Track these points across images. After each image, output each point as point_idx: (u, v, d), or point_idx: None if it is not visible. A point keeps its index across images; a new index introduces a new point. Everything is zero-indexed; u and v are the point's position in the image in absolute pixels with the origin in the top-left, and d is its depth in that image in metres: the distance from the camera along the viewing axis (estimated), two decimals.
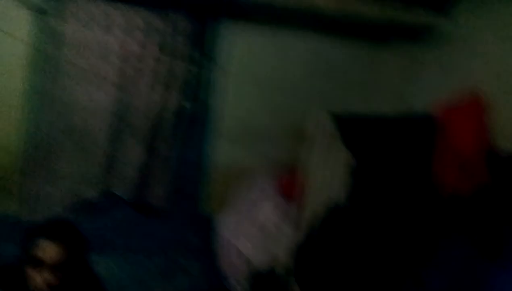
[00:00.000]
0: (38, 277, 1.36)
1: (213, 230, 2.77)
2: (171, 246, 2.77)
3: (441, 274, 2.02)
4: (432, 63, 2.88)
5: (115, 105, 2.69)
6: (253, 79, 2.99)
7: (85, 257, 1.51)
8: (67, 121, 2.66)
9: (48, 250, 1.37)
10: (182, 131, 2.85)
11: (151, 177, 2.81)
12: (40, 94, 2.66)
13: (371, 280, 1.94)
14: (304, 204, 2.22)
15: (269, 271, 2.32)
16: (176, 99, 2.78)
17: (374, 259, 1.92)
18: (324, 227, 2.00)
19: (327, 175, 2.08)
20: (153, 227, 2.82)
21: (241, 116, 3.00)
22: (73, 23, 2.58)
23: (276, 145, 2.99)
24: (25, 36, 2.61)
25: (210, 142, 2.98)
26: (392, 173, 2.00)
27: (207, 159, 2.99)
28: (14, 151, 2.73)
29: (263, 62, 2.99)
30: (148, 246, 2.77)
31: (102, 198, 2.75)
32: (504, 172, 2.03)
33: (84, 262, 1.51)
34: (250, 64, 2.97)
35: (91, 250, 1.52)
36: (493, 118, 2.18)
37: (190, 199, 2.94)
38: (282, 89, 3.00)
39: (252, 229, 2.52)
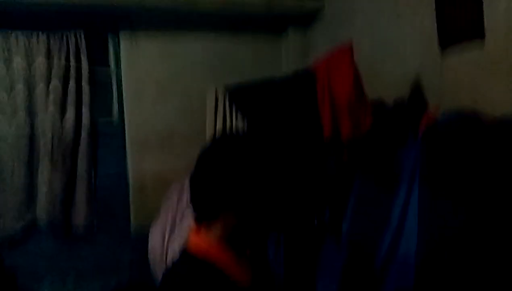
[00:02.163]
0: None
1: (145, 242, 2.75)
2: (105, 265, 2.75)
3: (352, 215, 2.10)
4: (322, 44, 3.07)
5: (26, 132, 2.73)
6: (159, 85, 3.07)
7: None
8: None
9: None
10: (97, 148, 2.89)
11: (74, 199, 2.82)
12: None
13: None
14: None
15: None
16: (87, 116, 2.84)
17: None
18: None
19: None
20: (85, 249, 2.80)
21: (153, 123, 3.05)
22: None
23: (193, 146, 3.04)
24: None
25: (128, 154, 3.01)
26: (282, 128, 2.10)
27: (129, 171, 3.01)
28: None
29: (164, 67, 3.08)
30: (83, 269, 2.74)
31: (26, 228, 2.73)
32: (387, 118, 2.16)
33: None
34: (152, 71, 3.06)
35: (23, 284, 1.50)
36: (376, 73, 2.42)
37: (118, 215, 2.94)
38: (186, 91, 3.08)
39: (182, 234, 2.52)
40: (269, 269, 1.43)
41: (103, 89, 3.01)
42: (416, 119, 1.90)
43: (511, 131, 1.51)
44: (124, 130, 2.99)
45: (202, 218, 1.12)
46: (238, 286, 1.08)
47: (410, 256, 1.64)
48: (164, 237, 2.51)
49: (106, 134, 2.91)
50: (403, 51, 2.32)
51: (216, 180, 1.08)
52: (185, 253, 1.13)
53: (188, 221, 2.50)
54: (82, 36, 2.83)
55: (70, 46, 2.81)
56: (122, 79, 3.03)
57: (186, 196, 2.72)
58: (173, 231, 2.57)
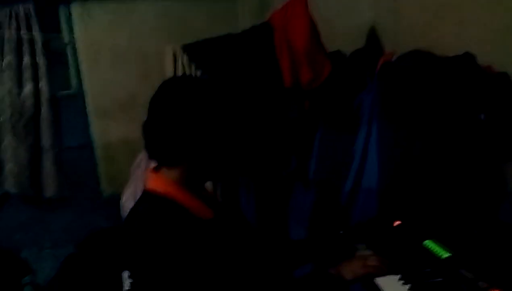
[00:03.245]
0: None
1: (116, 209, 2.76)
2: (80, 233, 2.75)
3: (317, 161, 2.18)
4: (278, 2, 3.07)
5: None
6: (115, 53, 3.02)
7: None
8: None
9: None
10: (59, 120, 2.86)
11: (42, 172, 2.80)
12: None
13: None
14: None
15: None
16: (45, 90, 2.80)
17: None
18: None
19: None
20: (58, 218, 2.79)
21: (113, 91, 3.02)
22: None
23: None
24: None
25: (92, 124, 2.97)
26: (243, 80, 2.13)
27: (94, 141, 2.98)
28: None
29: (119, 34, 3.04)
30: (58, 237, 2.74)
31: None
32: (345, 66, 2.21)
33: None
34: (107, 39, 3.01)
35: None
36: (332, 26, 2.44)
37: (88, 185, 2.93)
38: (144, 56, 3.04)
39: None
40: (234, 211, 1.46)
41: (59, 61, 2.94)
42: (373, 64, 1.97)
43: (463, 64, 1.59)
44: (85, 101, 2.94)
45: (160, 163, 1.14)
46: (198, 218, 1.11)
47: (373, 188, 1.74)
48: (135, 198, 2.52)
49: (67, 106, 2.87)
50: (357, 3, 2.36)
51: (168, 124, 1.07)
52: (145, 193, 1.15)
53: None
54: (32, 9, 2.75)
55: (20, 20, 2.74)
56: (77, 49, 2.97)
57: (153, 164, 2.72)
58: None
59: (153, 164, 1.19)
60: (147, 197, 1.14)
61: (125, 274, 1.11)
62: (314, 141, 2.18)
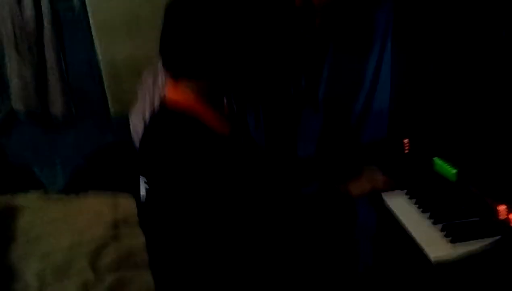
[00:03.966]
0: None
1: (125, 126, 2.79)
2: (89, 150, 2.81)
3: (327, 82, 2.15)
4: None
5: None
6: None
7: None
8: None
9: None
10: (62, 36, 2.79)
11: (48, 89, 2.77)
12: None
13: None
14: None
15: None
16: (45, 2, 2.69)
17: None
18: None
19: None
20: (67, 136, 2.84)
21: (118, 10, 2.89)
22: None
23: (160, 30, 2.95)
24: None
25: (96, 41, 2.90)
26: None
27: (99, 58, 2.93)
28: None
29: None
30: (68, 155, 2.81)
31: (5, 120, 2.75)
32: None
33: None
34: None
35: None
36: None
37: (95, 102, 2.93)
38: None
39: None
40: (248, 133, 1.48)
41: None
42: None
43: None
44: (88, 16, 2.84)
45: (178, 74, 1.12)
46: (218, 135, 1.13)
47: (384, 109, 1.74)
48: (144, 119, 2.54)
49: (69, 21, 2.78)
50: None
51: (186, 35, 1.04)
52: (164, 108, 1.15)
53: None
54: None
55: None
56: None
57: (160, 78, 2.70)
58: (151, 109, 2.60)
59: (160, 79, 1.18)
60: (166, 112, 1.13)
61: (143, 180, 1.15)
62: (325, 62, 2.14)
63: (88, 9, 2.84)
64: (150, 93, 2.63)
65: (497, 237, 1.09)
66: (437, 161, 1.37)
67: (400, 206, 1.32)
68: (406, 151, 1.50)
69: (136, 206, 1.37)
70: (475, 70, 1.40)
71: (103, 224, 2.60)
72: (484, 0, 1.45)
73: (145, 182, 1.14)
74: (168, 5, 1.10)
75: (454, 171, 1.29)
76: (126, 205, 2.59)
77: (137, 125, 2.57)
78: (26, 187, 2.85)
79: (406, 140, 1.53)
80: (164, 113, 1.13)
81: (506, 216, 1.10)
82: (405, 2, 1.63)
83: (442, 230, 1.15)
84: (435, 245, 1.11)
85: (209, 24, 1.04)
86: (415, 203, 1.32)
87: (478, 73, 1.39)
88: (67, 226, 2.62)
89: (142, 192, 1.15)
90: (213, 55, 1.05)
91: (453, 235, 1.11)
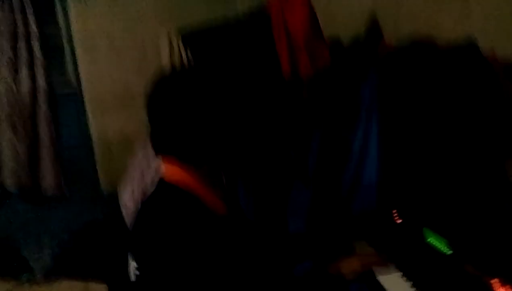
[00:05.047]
0: None
1: (115, 200, 2.74)
2: (79, 226, 2.74)
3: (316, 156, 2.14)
4: None
5: None
6: (111, 40, 2.99)
7: None
8: None
9: None
10: (56, 110, 2.82)
11: (39, 162, 2.77)
12: None
13: None
14: None
15: None
16: (41, 78, 2.75)
17: None
18: None
19: None
20: (57, 211, 2.78)
21: (110, 81, 2.98)
22: None
23: None
24: None
25: (89, 115, 2.94)
26: (240, 69, 2.09)
27: (92, 132, 2.95)
28: None
29: (115, 22, 2.97)
30: (57, 231, 2.73)
31: None
32: (345, 54, 2.16)
33: None
34: (104, 27, 2.96)
35: None
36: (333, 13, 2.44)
37: (87, 176, 2.91)
38: (140, 44, 2.99)
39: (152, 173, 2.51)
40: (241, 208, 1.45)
41: (55, 49, 2.90)
42: (374, 53, 1.92)
43: (466, 55, 1.55)
44: (82, 91, 2.91)
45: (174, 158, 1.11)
46: (214, 213, 1.09)
47: (373, 182, 1.71)
48: (133, 192, 2.51)
49: (64, 95, 2.83)
50: None
51: (172, 124, 1.03)
52: (161, 181, 1.12)
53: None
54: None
55: (15, 9, 2.67)
56: (73, 37, 2.93)
57: (150, 150, 2.68)
58: (141, 185, 2.56)
59: (150, 151, 1.16)
60: (164, 186, 1.10)
61: (132, 263, 1.09)
62: (313, 138, 2.14)
63: (83, 84, 2.91)
64: (140, 165, 2.61)
65: None
66: (430, 237, 1.32)
67: (392, 282, 1.27)
68: (397, 221, 1.45)
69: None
70: (459, 143, 1.39)
71: None
72: (466, 79, 1.47)
73: (133, 260, 1.09)
74: (148, 99, 1.10)
75: (449, 251, 1.25)
76: None
77: (126, 199, 2.53)
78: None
79: (394, 211, 1.49)
80: (161, 188, 1.11)
81: None
82: (390, 78, 1.66)
83: None
84: None
85: (187, 107, 1.04)
86: (407, 280, 1.27)
87: (462, 146, 1.38)
88: None
89: (131, 269, 1.10)
90: (205, 142, 1.05)
91: None
